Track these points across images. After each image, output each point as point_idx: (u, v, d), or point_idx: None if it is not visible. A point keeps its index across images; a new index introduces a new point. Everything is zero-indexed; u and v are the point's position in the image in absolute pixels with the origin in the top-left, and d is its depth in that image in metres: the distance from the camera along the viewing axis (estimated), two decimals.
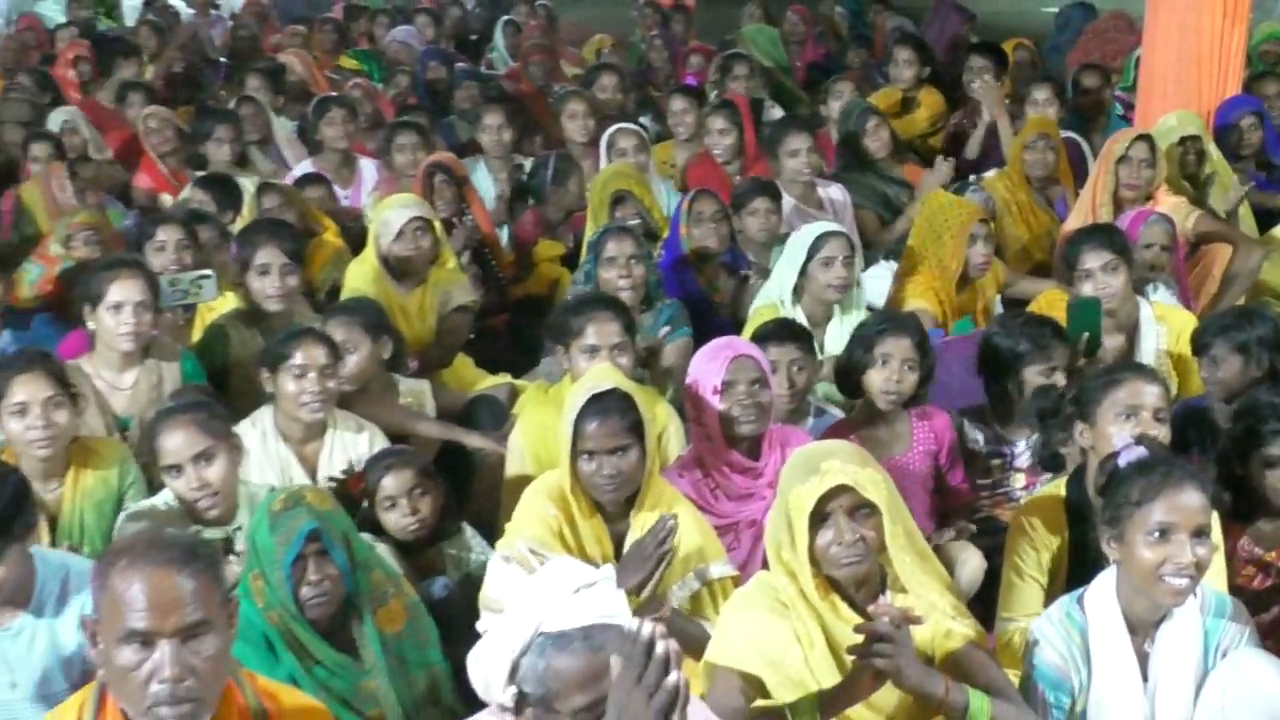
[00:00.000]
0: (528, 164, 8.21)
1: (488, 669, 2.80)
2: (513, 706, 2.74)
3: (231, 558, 4.03)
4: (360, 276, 6.15)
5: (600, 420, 3.91)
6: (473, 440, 5.06)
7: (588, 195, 7.04)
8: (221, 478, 4.21)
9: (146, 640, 2.60)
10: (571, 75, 10.94)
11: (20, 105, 9.16)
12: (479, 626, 3.74)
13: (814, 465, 3.33)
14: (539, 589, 2.81)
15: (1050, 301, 5.64)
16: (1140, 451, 3.50)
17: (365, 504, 4.39)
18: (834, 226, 5.82)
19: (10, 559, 3.61)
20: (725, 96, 8.77)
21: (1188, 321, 5.45)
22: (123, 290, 5.01)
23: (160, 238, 5.94)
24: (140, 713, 2.64)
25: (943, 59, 10.19)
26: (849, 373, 4.79)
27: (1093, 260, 5.37)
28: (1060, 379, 4.81)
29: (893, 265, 6.56)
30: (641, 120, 8.79)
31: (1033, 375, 4.81)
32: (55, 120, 8.59)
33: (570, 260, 6.98)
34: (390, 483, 4.36)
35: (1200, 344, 4.87)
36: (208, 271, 5.71)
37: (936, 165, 7.64)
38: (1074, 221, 6.62)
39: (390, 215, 6.11)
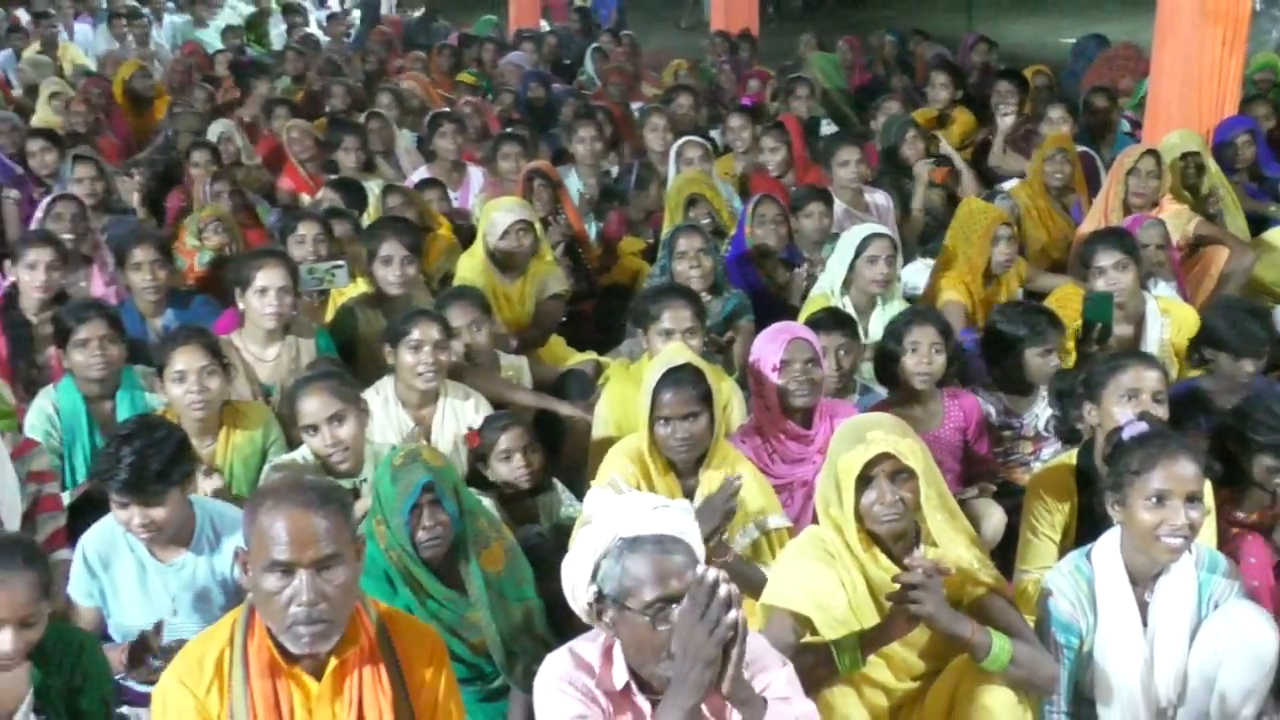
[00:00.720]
0: (614, 170, 8.19)
1: (574, 573, 2.83)
2: (594, 603, 2.77)
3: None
4: (470, 268, 6.15)
5: (675, 390, 3.91)
6: (564, 408, 5.05)
7: (665, 198, 7.01)
8: (351, 436, 4.24)
9: (287, 569, 2.65)
10: (650, 95, 10.91)
11: (188, 118, 9.27)
12: None
13: (860, 435, 3.31)
14: (622, 506, 2.82)
15: (1066, 295, 5.56)
16: (1141, 426, 3.45)
17: (479, 457, 4.41)
18: (879, 229, 5.76)
19: (172, 503, 3.67)
20: (781, 116, 8.72)
21: (1189, 314, 5.37)
22: (268, 277, 5.04)
23: (300, 232, 5.97)
24: (282, 630, 2.69)
25: (973, 83, 10.09)
26: (885, 362, 4.75)
27: (1105, 259, 5.29)
28: (1056, 360, 4.78)
29: (929, 262, 6.50)
30: (711, 134, 8.75)
31: (1032, 356, 4.77)
32: (214, 131, 8.67)
33: (649, 254, 6.96)
34: (506, 439, 4.38)
35: (1212, 338, 4.79)
36: (340, 262, 5.73)
37: (918, 165, 7.58)
38: (1088, 225, 6.54)
39: (497, 216, 6.10)
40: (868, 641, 3.23)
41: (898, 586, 3.14)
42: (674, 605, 2.64)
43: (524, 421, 4.47)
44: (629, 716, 2.80)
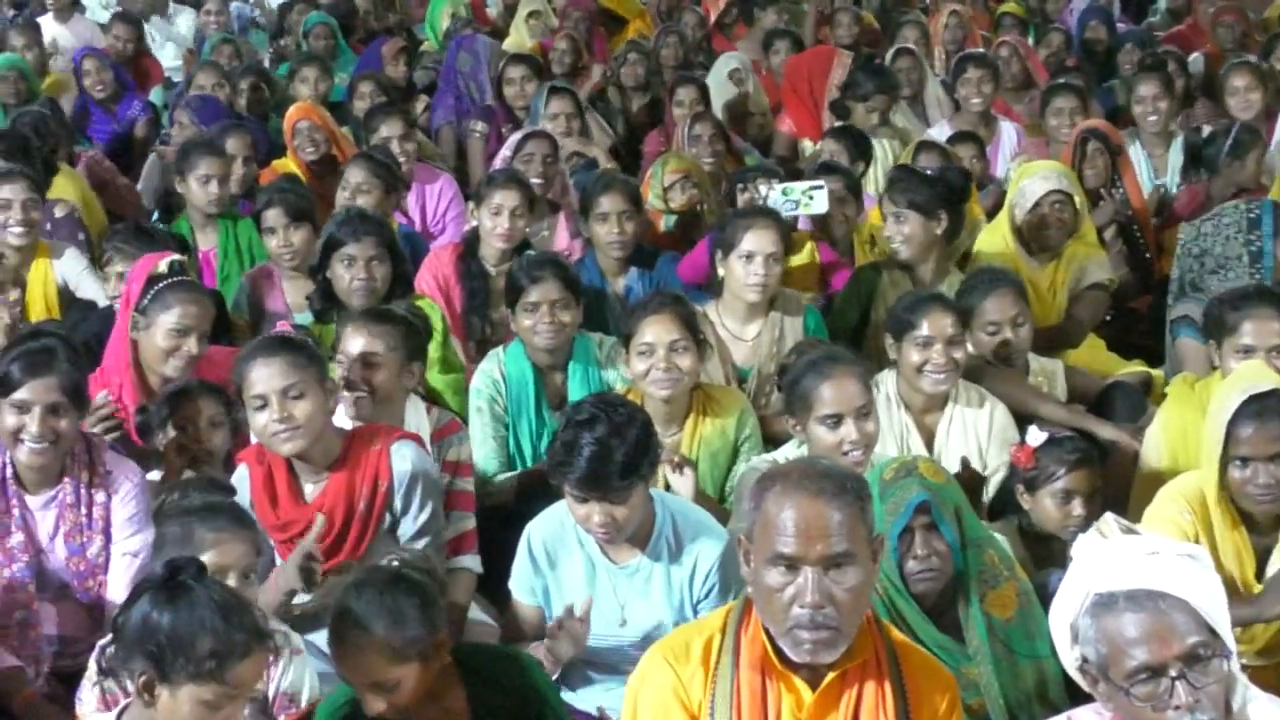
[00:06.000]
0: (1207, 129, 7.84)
1: (1057, 632, 2.83)
2: (1080, 670, 2.76)
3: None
4: (991, 244, 6.12)
5: (1258, 424, 3.78)
6: (1105, 431, 4.86)
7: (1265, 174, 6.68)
8: (874, 434, 4.24)
9: (792, 565, 2.79)
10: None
11: (675, 49, 9.63)
12: None
13: None
14: (1103, 552, 2.78)
15: None
16: None
17: (1022, 481, 4.36)
18: None
19: (636, 498, 3.79)
20: None
21: None
22: (756, 240, 5.15)
23: None
24: (780, 632, 2.84)
25: None
26: None
27: None
28: None
29: None
30: None
31: None
32: (724, 66, 8.97)
33: None
34: (1075, 481, 4.28)
35: None
36: (820, 182, 5.84)
37: None
38: None
39: (1028, 185, 6.02)
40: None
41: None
42: (1171, 679, 2.59)
43: (1093, 463, 4.35)
44: None
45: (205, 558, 3.27)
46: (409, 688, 3.24)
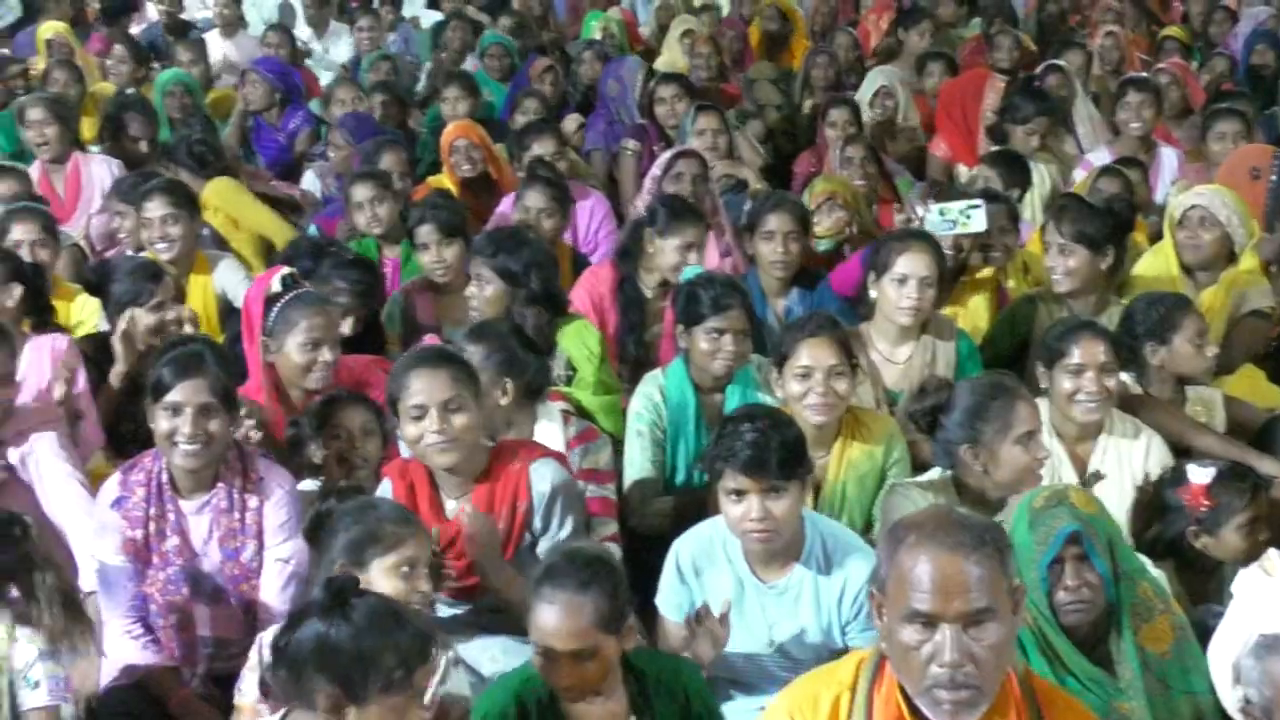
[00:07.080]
0: None
1: (1217, 671, 2.83)
2: (1244, 713, 2.72)
3: None
4: (1153, 267, 6.07)
5: None
6: (1265, 465, 4.75)
7: None
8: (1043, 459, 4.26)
9: (929, 622, 2.70)
10: None
11: (825, 70, 9.63)
12: None
13: None
14: (1268, 592, 2.76)
15: None
16: None
17: (1196, 521, 4.31)
18: None
19: (790, 500, 3.82)
20: None
21: None
22: (910, 264, 5.15)
23: None
24: (918, 691, 2.75)
25: None
26: None
27: None
28: None
29: None
30: None
31: None
32: (872, 83, 8.96)
33: None
34: (1258, 507, 4.25)
35: None
36: (978, 201, 5.81)
37: None
38: None
39: (1181, 199, 6.04)
40: None
41: None
42: None
43: (1263, 496, 4.30)
44: None
45: (397, 554, 3.55)
46: (601, 661, 3.30)
